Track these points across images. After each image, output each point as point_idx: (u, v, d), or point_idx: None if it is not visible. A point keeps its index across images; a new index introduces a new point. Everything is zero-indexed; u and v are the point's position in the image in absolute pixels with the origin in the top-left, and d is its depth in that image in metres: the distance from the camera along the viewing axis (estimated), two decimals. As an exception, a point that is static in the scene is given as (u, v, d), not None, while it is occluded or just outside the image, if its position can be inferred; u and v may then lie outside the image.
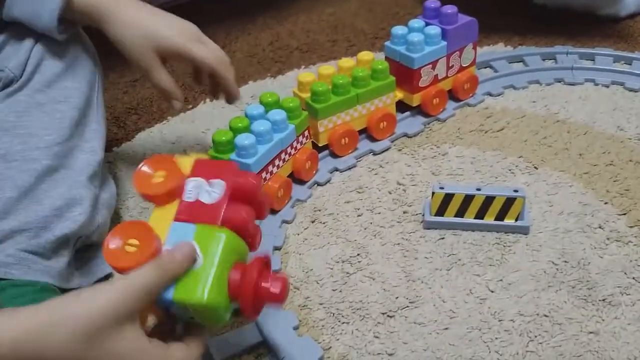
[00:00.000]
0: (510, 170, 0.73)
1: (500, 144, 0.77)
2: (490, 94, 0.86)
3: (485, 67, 0.92)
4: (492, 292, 0.59)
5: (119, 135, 0.86)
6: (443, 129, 0.81)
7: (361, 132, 0.78)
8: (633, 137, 0.76)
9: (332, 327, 0.57)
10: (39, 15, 0.59)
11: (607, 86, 0.86)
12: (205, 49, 0.63)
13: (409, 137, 0.80)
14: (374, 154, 0.78)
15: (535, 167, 0.73)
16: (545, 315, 0.56)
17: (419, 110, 0.82)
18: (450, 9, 0.78)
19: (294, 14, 1.15)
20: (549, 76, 0.88)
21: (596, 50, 0.92)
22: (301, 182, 0.73)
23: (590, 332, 0.54)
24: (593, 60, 0.91)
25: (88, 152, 0.62)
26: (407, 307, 0.58)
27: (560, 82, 0.88)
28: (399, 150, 0.78)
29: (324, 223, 0.68)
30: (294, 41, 1.05)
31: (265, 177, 0.66)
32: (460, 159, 0.75)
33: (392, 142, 0.79)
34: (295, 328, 0.56)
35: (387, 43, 0.80)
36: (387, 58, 0.80)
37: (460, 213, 0.65)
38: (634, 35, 0.98)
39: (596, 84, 0.86)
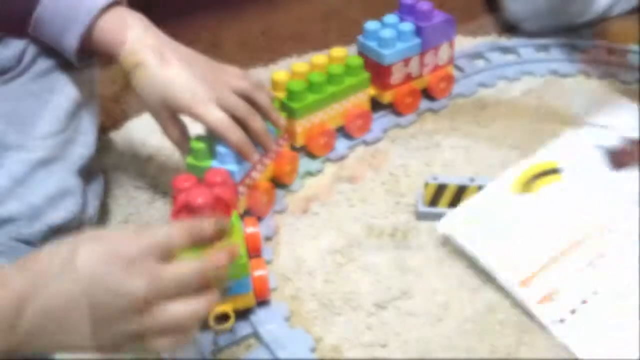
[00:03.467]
0: (503, 162, 0.72)
1: (494, 135, 0.77)
2: (483, 85, 0.85)
3: (480, 58, 0.92)
4: (485, 284, 0.58)
5: (107, 123, 0.84)
6: (436, 120, 0.80)
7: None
8: (626, 129, 0.76)
9: (324, 319, 0.56)
10: (61, 43, 0.60)
11: (600, 78, 0.86)
12: (213, 112, 0.59)
13: (401, 127, 0.79)
14: (366, 144, 0.77)
15: (528, 159, 0.73)
16: (539, 307, 0.56)
17: (392, 109, 0.80)
18: (425, 5, 0.77)
19: (287, 1, 1.13)
20: (543, 67, 0.88)
21: (589, 42, 0.92)
22: (283, 186, 0.71)
23: (584, 324, 0.54)
24: (586, 52, 0.90)
25: (82, 145, 0.62)
26: (400, 298, 0.58)
27: (554, 73, 0.87)
28: (392, 141, 0.77)
29: (316, 213, 0.68)
30: (286, 30, 1.04)
31: (248, 184, 0.64)
32: (453, 150, 0.75)
33: (384, 132, 0.78)
34: (287, 319, 0.56)
35: (360, 38, 0.78)
36: (359, 53, 0.79)
37: (453, 204, 0.65)
38: (616, 31, 0.97)
39: (590, 76, 0.86)
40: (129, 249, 0.39)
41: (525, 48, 0.92)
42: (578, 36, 0.94)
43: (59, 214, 0.56)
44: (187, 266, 0.40)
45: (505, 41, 0.95)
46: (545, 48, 0.92)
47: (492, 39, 0.96)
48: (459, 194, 0.64)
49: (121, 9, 0.60)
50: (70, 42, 0.59)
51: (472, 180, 0.64)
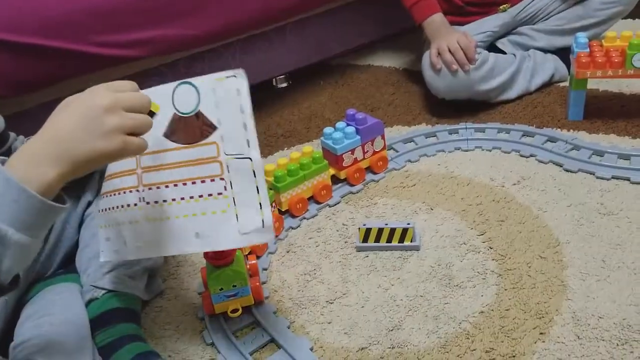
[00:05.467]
0: (415, 211, 1.12)
1: (412, 195, 1.16)
2: (410, 161, 1.26)
3: (410, 142, 1.33)
4: (392, 285, 0.97)
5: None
6: (377, 187, 1.21)
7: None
8: (498, 184, 1.15)
9: (296, 311, 0.95)
10: None
11: (490, 150, 1.26)
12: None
13: (353, 193, 1.20)
14: (330, 206, 1.17)
15: (431, 209, 1.12)
16: (421, 296, 0.94)
17: (347, 182, 1.21)
18: (361, 115, 1.19)
19: (281, 108, 1.57)
20: (451, 145, 1.28)
21: (487, 125, 1.32)
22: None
23: (446, 303, 0.92)
24: (483, 132, 1.31)
25: None
26: (342, 296, 0.96)
27: (458, 149, 1.27)
28: (346, 203, 1.18)
29: (294, 252, 1.07)
30: (280, 129, 1.47)
31: None
32: (385, 206, 1.15)
33: (341, 197, 1.19)
34: (274, 312, 0.95)
35: (322, 138, 1.20)
36: (322, 147, 1.20)
37: (377, 239, 1.04)
38: (515, 112, 1.38)
39: (482, 149, 1.26)
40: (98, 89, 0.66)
41: (442, 132, 1.33)
42: (482, 120, 1.35)
43: (148, 262, 0.96)
44: (128, 95, 0.66)
45: (430, 127, 1.36)
46: (455, 132, 1.33)
47: (422, 126, 1.37)
48: (380, 233, 1.03)
49: None
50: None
51: (386, 224, 1.03)
